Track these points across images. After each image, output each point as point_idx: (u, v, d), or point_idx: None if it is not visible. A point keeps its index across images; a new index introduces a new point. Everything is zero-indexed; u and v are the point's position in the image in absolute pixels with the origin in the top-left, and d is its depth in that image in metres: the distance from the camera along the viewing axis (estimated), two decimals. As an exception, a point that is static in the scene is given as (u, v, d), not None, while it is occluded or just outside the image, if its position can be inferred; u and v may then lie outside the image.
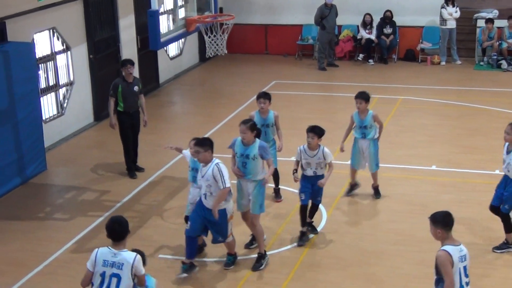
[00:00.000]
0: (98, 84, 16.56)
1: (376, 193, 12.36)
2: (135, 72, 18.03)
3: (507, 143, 10.30)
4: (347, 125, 15.96)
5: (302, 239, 10.75)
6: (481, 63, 21.10)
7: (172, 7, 18.41)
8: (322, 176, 10.73)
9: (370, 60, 21.89)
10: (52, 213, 12.29)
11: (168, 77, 20.62)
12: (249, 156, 9.90)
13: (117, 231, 7.45)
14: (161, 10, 17.68)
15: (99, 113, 16.65)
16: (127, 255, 7.38)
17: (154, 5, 12.29)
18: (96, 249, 7.50)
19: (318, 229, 11.22)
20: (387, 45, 21.72)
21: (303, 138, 14.41)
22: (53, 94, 15.59)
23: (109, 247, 7.45)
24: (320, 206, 11.88)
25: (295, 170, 10.78)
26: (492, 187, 12.54)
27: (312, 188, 10.69)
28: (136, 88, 13.36)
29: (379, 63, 21.82)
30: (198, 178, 9.57)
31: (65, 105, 15.92)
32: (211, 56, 14.28)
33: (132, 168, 13.63)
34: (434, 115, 16.94)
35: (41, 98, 14.58)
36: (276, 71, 21.31)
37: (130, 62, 13.43)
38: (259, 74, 20.99)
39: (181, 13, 14.54)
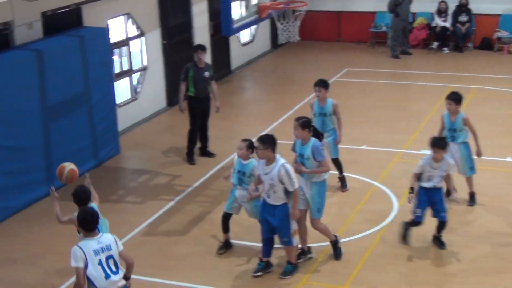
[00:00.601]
0: (171, 69, 16.71)
1: (471, 200, 11.48)
2: (207, 58, 18.21)
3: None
4: (419, 115, 15.89)
5: None
6: (562, 52, 20.55)
7: (245, -7, 18.48)
8: (440, 189, 10.00)
9: (445, 49, 21.52)
10: (125, 196, 12.48)
11: (240, 63, 20.68)
12: (303, 156, 9.54)
13: (90, 221, 7.48)
14: (234, -4, 17.71)
15: (172, 98, 16.80)
16: (107, 236, 7.55)
17: (228, -9, 12.31)
18: (76, 247, 7.39)
19: (390, 218, 11.10)
20: (463, 33, 21.32)
21: (373, 126, 14.33)
22: (127, 79, 15.81)
23: (86, 238, 7.45)
24: (392, 195, 11.80)
25: (412, 189, 10.00)
26: None
27: (430, 202, 10.01)
28: (207, 73, 13.43)
29: (454, 52, 21.44)
30: (261, 174, 9.25)
31: (138, 90, 16.12)
32: (283, 42, 14.28)
33: (192, 153, 13.70)
34: (510, 105, 16.57)
35: (115, 83, 14.78)
36: (349, 58, 21.16)
37: (201, 47, 13.51)
38: (331, 62, 20.88)
39: (254, -1, 14.56)
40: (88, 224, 7.47)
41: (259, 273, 9.57)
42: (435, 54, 21.35)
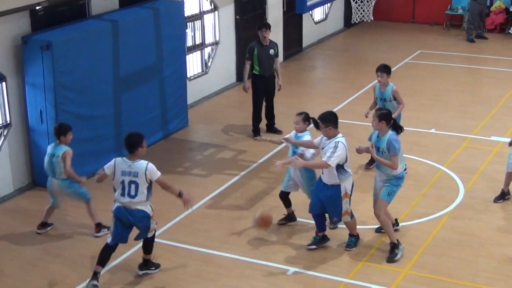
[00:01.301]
0: (242, 45, 16.74)
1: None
2: (279, 35, 18.22)
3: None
4: (491, 100, 15.57)
5: None
6: None
7: (320, -29, 18.30)
8: None
9: (522, 34, 21.05)
10: (191, 169, 12.62)
11: (311, 41, 20.58)
12: (379, 149, 9.32)
13: (131, 142, 8.57)
14: (309, -27, 17.58)
15: (242, 73, 16.84)
16: (139, 164, 8.53)
17: (302, -31, 12.25)
18: (114, 159, 8.69)
19: (455, 203, 10.96)
20: (542, 19, 20.80)
21: (444, 110, 14.12)
22: (198, 52, 15.92)
23: (124, 158, 8.61)
24: (458, 181, 11.67)
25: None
26: None
27: None
28: (272, 51, 13.41)
29: (532, 37, 20.95)
30: (320, 148, 9.34)
31: (209, 64, 16.22)
32: (356, 22, 14.21)
33: (258, 130, 13.75)
34: None
35: (187, 56, 14.89)
36: (422, 40, 20.84)
37: (266, 25, 13.49)
38: (404, 43, 20.60)
39: (329, -23, 14.46)
40: (127, 144, 8.60)
41: (313, 246, 9.66)
42: (511, 39, 20.85)
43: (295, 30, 19.55)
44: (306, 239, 9.87)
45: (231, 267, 9.37)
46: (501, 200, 11.05)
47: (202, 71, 16.10)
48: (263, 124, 13.95)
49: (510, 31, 21.18)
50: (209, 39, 16.17)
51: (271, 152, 13.06)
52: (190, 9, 15.36)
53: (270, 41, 13.49)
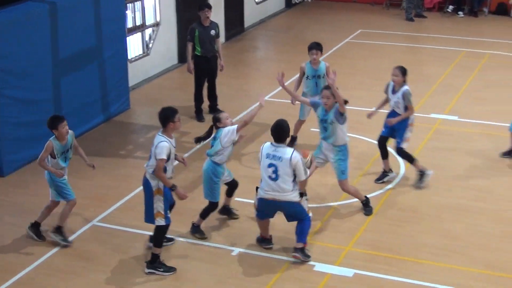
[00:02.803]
0: (184, 26, 16.57)
1: None
2: (221, 16, 18.10)
3: (392, 83, 10.88)
4: (430, 78, 15.79)
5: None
6: None
7: (260, -49, 18.25)
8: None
9: (460, 12, 21.31)
10: (134, 151, 12.50)
11: (253, 21, 20.52)
12: (327, 121, 9.65)
13: (161, 116, 8.62)
14: (249, -47, 17.51)
15: (184, 55, 16.69)
16: (156, 139, 8.58)
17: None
18: (164, 143, 8.50)
19: (396, 181, 11.09)
20: (479, -3, 21.12)
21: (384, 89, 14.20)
22: (139, 34, 15.73)
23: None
24: (399, 158, 11.77)
25: None
26: None
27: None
28: (213, 32, 13.32)
29: (469, 16, 21.23)
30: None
31: (150, 45, 16.05)
32: (297, 2, 14.14)
33: (200, 111, 13.70)
34: (522, 72, 16.44)
35: (128, 38, 14.70)
36: (363, 20, 20.97)
37: (207, 5, 13.40)
38: (345, 22, 20.70)
39: (269, -43, 14.41)
40: (159, 118, 8.68)
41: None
42: (449, 18, 21.13)
43: (237, 10, 19.47)
44: (247, 221, 9.88)
45: (175, 248, 9.31)
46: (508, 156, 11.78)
47: (143, 52, 15.92)
48: (205, 105, 13.88)
49: (448, 10, 21.44)
50: (149, 20, 15.98)
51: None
52: (129, -10, 15.16)
53: (211, 21, 13.38)
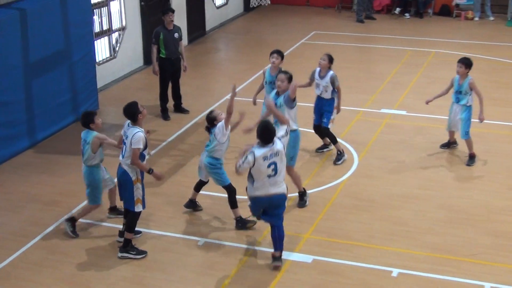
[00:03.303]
0: (148, 29, 16.50)
1: (470, 160, 11.46)
2: (183, 20, 18.05)
3: (318, 69, 11.39)
4: (380, 76, 15.93)
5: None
6: (514, 19, 20.65)
7: (219, -42, 18.23)
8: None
9: (406, 14, 21.51)
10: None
11: (214, 25, 20.50)
12: (277, 104, 9.68)
13: (129, 113, 8.77)
14: (209, -39, 17.48)
15: (149, 57, 16.60)
16: (132, 130, 8.74)
17: (202, -44, 12.14)
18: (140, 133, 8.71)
19: (350, 172, 11.18)
20: (424, 0, 21.28)
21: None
22: (106, 38, 15.61)
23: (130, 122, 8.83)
24: (353, 151, 11.88)
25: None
26: (517, 139, 12.39)
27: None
28: (176, 35, 13.29)
29: (415, 17, 21.43)
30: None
31: (117, 48, 15.94)
32: (255, 6, 14.22)
33: (166, 110, 13.65)
34: (465, 68, 16.63)
35: (95, 42, 14.60)
36: (316, 22, 21.05)
37: (171, 10, 13.38)
38: (300, 25, 20.76)
39: (228, -36, 14.40)
40: (126, 115, 8.85)
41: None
42: (397, 19, 21.32)
43: (198, 14, 19.42)
44: (210, 213, 9.90)
45: (143, 240, 9.29)
46: (446, 147, 11.94)
47: (111, 55, 15.81)
48: (170, 104, 13.84)
49: (396, 12, 21.63)
50: (116, 24, 15.87)
51: (179, 130, 12.99)
52: (96, -4, 15.04)
53: (174, 25, 13.35)
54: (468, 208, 10.09)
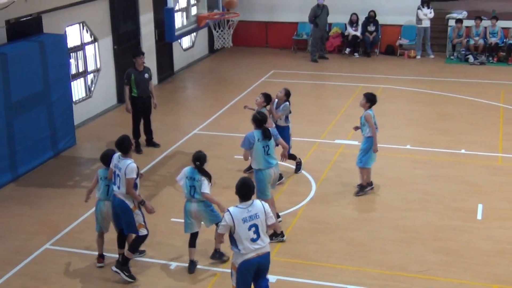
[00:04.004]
0: (121, 71, 16.44)
1: (360, 189, 11.36)
2: (153, 61, 18.08)
3: (276, 100, 11.70)
4: (334, 110, 16.07)
5: None
6: (451, 57, 21.01)
7: (185, 5, 18.28)
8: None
9: (356, 54, 21.78)
10: (80, 182, 12.28)
11: (181, 66, 20.53)
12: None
13: (123, 146, 8.76)
14: (176, 7, 17.54)
15: (122, 96, 16.53)
16: (124, 161, 8.64)
17: (170, 3, 12.23)
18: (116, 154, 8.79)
19: (309, 198, 11.21)
20: (371, 41, 21.60)
21: (296, 120, 14.39)
22: (82, 79, 15.52)
23: (120, 154, 8.73)
24: (311, 178, 11.94)
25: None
26: (458, 164, 12.60)
27: None
28: (146, 75, 13.27)
29: (364, 57, 21.69)
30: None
31: (92, 88, 15.86)
32: (219, 48, 14.22)
33: (138, 144, 13.54)
34: (410, 102, 16.88)
35: (72, 83, 14.51)
36: (275, 62, 21.20)
37: (142, 52, 13.38)
38: (260, 65, 20.88)
39: (193, 10, 14.45)
40: (119, 148, 8.86)
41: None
42: (347, 58, 21.57)
43: (167, 56, 19.45)
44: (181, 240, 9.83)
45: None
46: (361, 193, 11.34)
47: (86, 95, 15.71)
48: (142, 139, 13.77)
49: (346, 52, 21.89)
50: (91, 66, 15.80)
51: (151, 163, 12.92)
52: (72, 41, 14.96)
53: (144, 66, 13.34)
54: (417, 228, 10.18)
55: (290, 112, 11.78)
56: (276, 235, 9.74)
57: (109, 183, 8.84)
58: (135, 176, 8.57)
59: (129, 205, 8.64)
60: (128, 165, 8.56)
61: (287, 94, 11.73)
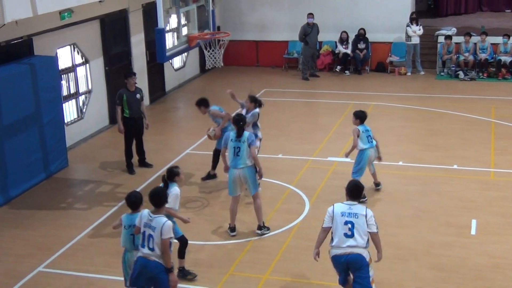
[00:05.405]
0: (113, 92, 16.42)
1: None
2: (145, 82, 18.10)
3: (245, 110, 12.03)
4: (325, 127, 16.10)
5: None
6: (442, 73, 21.11)
7: (176, 25, 18.28)
8: None
9: (346, 71, 21.86)
10: (73, 204, 12.22)
11: (173, 86, 20.56)
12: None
13: (156, 199, 7.87)
14: (167, 28, 17.58)
15: (114, 117, 16.50)
16: (159, 220, 7.63)
17: (161, 24, 12.24)
18: (141, 211, 7.86)
19: (303, 216, 11.19)
20: (361, 58, 21.70)
21: (288, 138, 14.41)
22: (73, 100, 15.51)
23: (149, 211, 7.76)
24: (303, 195, 11.92)
25: None
26: (451, 180, 12.62)
27: None
28: (138, 95, 13.27)
29: (354, 74, 21.77)
30: None
31: (84, 110, 15.84)
32: (210, 68, 14.24)
33: (131, 165, 13.53)
34: (401, 118, 16.93)
35: (63, 104, 14.50)
36: (266, 80, 21.26)
37: (134, 73, 13.41)
38: (251, 83, 20.90)
39: (184, 30, 14.47)
40: (152, 200, 7.89)
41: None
42: (338, 76, 21.64)
43: (158, 77, 19.47)
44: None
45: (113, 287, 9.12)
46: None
47: (78, 116, 15.69)
48: (135, 159, 13.74)
49: (337, 70, 21.97)
50: (82, 88, 15.80)
51: (144, 183, 12.88)
52: (63, 62, 14.96)
53: (136, 87, 13.34)
54: (410, 244, 10.16)
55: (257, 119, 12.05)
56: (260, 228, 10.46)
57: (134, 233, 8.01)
58: (172, 235, 7.70)
59: (166, 264, 7.68)
60: (164, 224, 7.57)
61: (253, 100, 11.97)
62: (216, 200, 11.92)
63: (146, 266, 7.62)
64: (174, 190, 8.74)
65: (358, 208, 7.91)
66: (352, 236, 7.80)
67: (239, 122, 10.35)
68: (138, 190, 12.41)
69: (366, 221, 7.82)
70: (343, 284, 8.19)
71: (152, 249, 7.59)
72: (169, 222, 7.64)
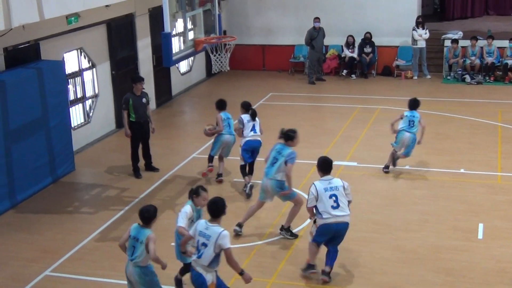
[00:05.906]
0: (119, 96, 16.45)
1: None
2: (151, 86, 18.14)
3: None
4: (333, 131, 16.07)
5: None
6: (448, 77, 21.09)
7: (182, 29, 18.31)
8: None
9: (353, 75, 21.85)
10: (80, 208, 12.25)
11: (179, 90, 20.59)
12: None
13: (216, 209, 7.73)
14: (173, 32, 17.63)
15: (121, 121, 16.56)
16: (215, 229, 7.62)
17: (167, 28, 12.26)
18: (197, 221, 7.89)
19: (309, 220, 11.17)
20: (367, 62, 21.69)
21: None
22: (80, 105, 15.56)
23: (207, 220, 7.74)
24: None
25: None
26: (458, 184, 12.60)
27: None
28: (144, 100, 13.30)
29: (360, 78, 21.77)
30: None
31: (91, 114, 15.89)
32: (216, 72, 14.25)
33: (137, 169, 13.55)
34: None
35: (70, 109, 14.54)
36: (272, 84, 21.27)
37: (142, 78, 13.41)
38: (257, 87, 20.95)
39: (190, 35, 14.50)
40: (211, 211, 7.80)
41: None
42: (344, 80, 21.64)
43: (165, 81, 19.51)
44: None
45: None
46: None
47: (85, 120, 15.73)
48: (141, 163, 13.76)
49: (343, 74, 21.96)
50: (89, 92, 15.85)
51: (150, 187, 12.89)
52: (70, 67, 15.01)
53: (142, 91, 13.37)
54: (417, 248, 10.14)
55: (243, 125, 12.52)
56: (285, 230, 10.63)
57: (135, 243, 7.88)
58: (230, 244, 7.58)
59: (207, 281, 7.63)
60: (221, 233, 7.52)
61: (243, 106, 12.71)
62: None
63: (194, 276, 7.72)
64: (184, 208, 8.65)
65: (336, 181, 9.04)
66: (338, 207, 8.88)
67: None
68: (145, 194, 12.50)
69: (344, 191, 8.96)
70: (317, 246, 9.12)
71: (199, 257, 7.60)
72: (226, 232, 7.57)
